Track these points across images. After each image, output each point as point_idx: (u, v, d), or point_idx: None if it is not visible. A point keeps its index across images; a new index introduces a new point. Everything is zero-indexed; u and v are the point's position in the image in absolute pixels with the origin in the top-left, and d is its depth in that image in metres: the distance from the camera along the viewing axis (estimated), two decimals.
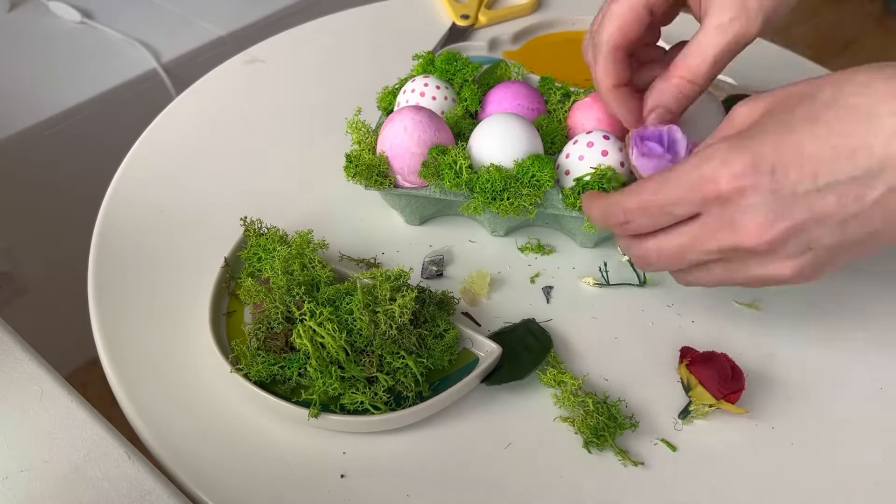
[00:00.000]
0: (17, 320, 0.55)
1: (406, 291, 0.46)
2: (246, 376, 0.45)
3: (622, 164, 0.52)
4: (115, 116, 1.03)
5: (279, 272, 0.48)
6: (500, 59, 0.67)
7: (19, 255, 1.02)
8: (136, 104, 1.04)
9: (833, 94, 0.38)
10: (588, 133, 0.54)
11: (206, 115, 0.70)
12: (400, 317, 0.45)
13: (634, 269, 0.55)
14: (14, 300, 1.04)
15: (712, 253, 0.40)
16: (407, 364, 0.45)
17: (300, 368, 0.45)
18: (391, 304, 0.45)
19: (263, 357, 0.46)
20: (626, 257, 0.54)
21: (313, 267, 0.49)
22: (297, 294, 0.47)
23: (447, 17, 0.84)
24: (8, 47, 1.08)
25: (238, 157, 0.66)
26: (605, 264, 0.55)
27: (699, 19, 0.48)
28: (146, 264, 0.56)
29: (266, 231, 0.54)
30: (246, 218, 0.54)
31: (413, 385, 0.45)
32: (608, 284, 0.55)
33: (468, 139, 0.55)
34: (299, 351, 0.46)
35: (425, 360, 0.46)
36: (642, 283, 0.54)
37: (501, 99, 0.59)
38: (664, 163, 0.47)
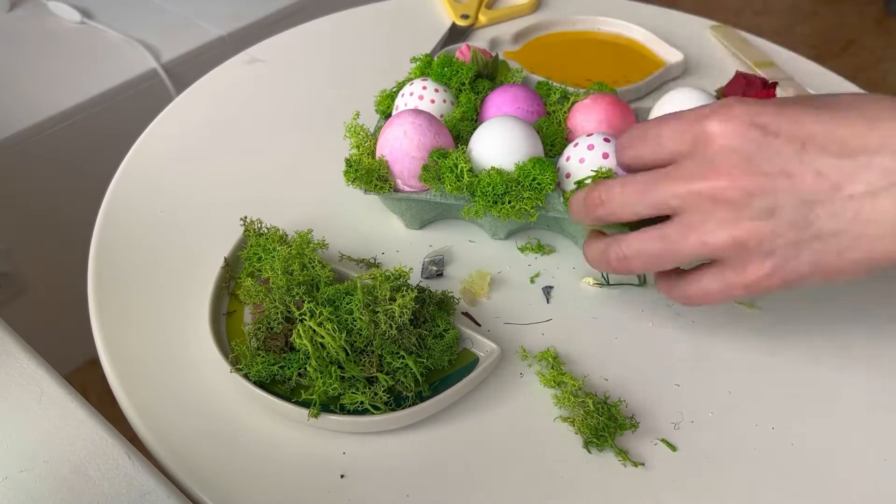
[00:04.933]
0: (17, 320, 0.55)
1: (406, 291, 0.46)
2: (246, 376, 0.45)
3: None
4: (115, 116, 1.03)
5: (279, 272, 0.48)
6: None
7: (19, 255, 1.02)
8: (136, 104, 1.04)
9: (849, 100, 0.39)
10: (588, 136, 0.54)
11: (206, 115, 0.70)
12: (400, 316, 0.45)
13: None
14: (14, 300, 1.04)
15: (679, 196, 0.40)
16: (407, 364, 0.45)
17: (300, 368, 0.45)
18: (391, 304, 0.45)
19: (263, 357, 0.46)
20: None
21: (313, 267, 0.49)
22: (297, 294, 0.47)
23: (447, 17, 0.84)
24: (8, 47, 1.08)
25: (238, 157, 0.66)
26: None
27: None
28: (146, 264, 0.56)
29: (266, 231, 0.54)
30: (246, 218, 0.54)
31: (413, 385, 0.45)
32: (608, 285, 0.55)
33: (468, 142, 0.55)
34: (299, 351, 0.46)
35: (425, 361, 0.46)
36: (642, 283, 0.54)
37: (500, 103, 0.59)
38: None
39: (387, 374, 0.45)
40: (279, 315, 0.47)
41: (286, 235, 0.53)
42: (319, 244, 0.52)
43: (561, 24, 0.80)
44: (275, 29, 0.83)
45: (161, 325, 0.51)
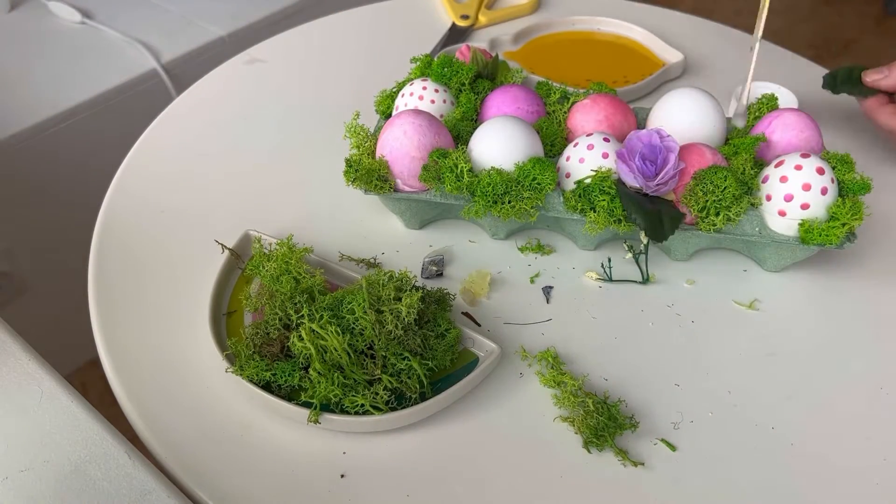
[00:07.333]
0: (17, 320, 0.55)
1: (411, 292, 0.46)
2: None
3: None
4: (115, 116, 1.03)
5: (279, 280, 0.48)
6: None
7: (19, 255, 1.02)
8: (136, 104, 1.04)
9: None
10: (588, 136, 0.54)
11: (206, 115, 0.70)
12: (407, 316, 0.45)
13: (639, 266, 0.55)
14: (14, 300, 1.04)
15: None
16: (411, 365, 0.45)
17: (299, 376, 0.45)
18: (397, 304, 0.45)
19: (257, 362, 0.45)
20: (630, 254, 0.54)
21: (304, 278, 0.48)
22: (299, 301, 0.47)
23: (447, 18, 0.84)
24: (8, 47, 1.08)
25: (238, 157, 0.66)
26: (609, 260, 0.55)
27: None
28: (146, 264, 0.56)
29: (253, 251, 0.53)
30: (222, 248, 0.53)
31: (417, 386, 0.45)
32: (611, 280, 0.55)
33: (468, 142, 0.55)
34: (294, 358, 0.45)
35: (430, 363, 0.46)
36: (645, 280, 0.54)
37: (500, 103, 0.59)
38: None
39: (391, 375, 0.45)
40: (277, 321, 0.46)
41: (272, 246, 0.52)
42: (305, 249, 0.51)
43: (561, 25, 0.80)
44: (275, 29, 0.83)
45: (161, 325, 0.51)
